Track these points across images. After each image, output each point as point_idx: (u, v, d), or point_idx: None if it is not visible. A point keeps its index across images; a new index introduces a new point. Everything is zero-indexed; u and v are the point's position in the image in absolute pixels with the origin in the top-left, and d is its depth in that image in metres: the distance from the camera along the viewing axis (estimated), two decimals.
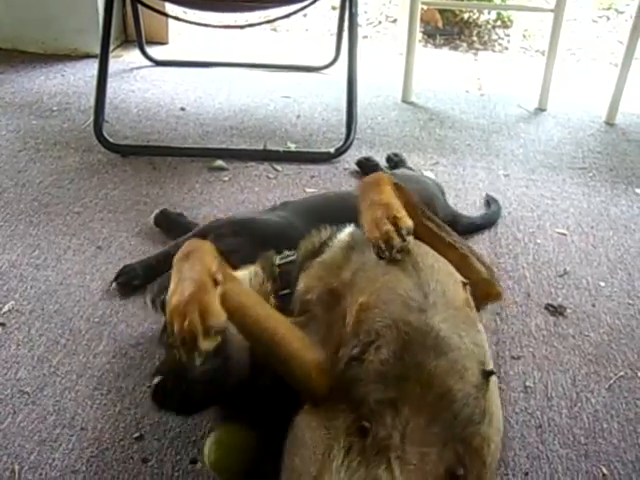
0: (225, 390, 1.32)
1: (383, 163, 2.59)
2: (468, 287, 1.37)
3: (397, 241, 1.32)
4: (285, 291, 1.47)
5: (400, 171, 2.44)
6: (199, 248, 1.26)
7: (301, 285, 1.43)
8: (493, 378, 1.24)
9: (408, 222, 1.35)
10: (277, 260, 1.55)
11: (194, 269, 1.19)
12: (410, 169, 2.52)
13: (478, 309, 1.39)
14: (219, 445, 1.39)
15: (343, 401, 1.19)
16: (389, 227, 1.33)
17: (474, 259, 1.48)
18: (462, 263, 1.45)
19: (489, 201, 2.40)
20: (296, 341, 1.27)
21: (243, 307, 1.27)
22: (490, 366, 1.26)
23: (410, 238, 1.34)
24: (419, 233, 1.42)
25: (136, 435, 1.52)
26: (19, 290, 1.93)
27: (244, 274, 1.51)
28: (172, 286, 1.17)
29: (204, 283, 1.16)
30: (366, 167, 2.53)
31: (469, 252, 1.49)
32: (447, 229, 1.51)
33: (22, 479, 1.41)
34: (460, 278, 1.38)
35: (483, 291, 1.46)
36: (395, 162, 2.57)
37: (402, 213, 1.37)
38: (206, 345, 1.10)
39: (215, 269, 1.21)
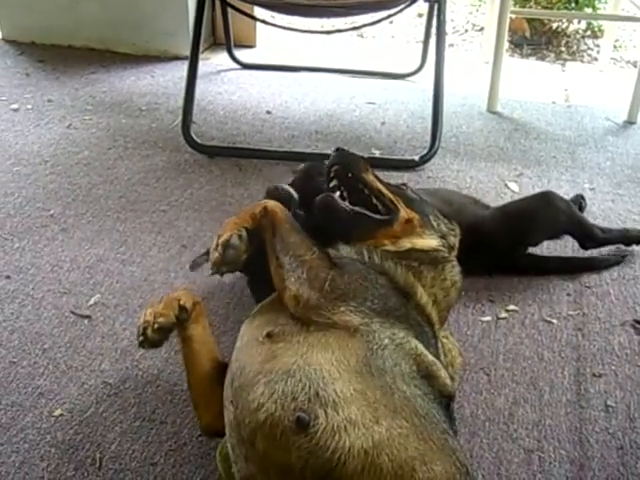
0: None
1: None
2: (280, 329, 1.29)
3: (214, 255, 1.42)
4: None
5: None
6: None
7: None
8: (320, 414, 1.11)
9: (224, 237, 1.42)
10: None
11: None
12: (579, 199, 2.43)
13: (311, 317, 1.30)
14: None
15: None
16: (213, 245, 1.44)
17: (292, 273, 1.37)
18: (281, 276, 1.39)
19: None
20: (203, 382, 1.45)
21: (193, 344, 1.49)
22: (322, 394, 1.13)
23: None
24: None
25: None
26: (105, 284, 1.98)
27: None
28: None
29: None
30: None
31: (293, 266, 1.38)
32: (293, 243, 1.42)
33: (104, 468, 1.45)
34: (264, 332, 1.29)
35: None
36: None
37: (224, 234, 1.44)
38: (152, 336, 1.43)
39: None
